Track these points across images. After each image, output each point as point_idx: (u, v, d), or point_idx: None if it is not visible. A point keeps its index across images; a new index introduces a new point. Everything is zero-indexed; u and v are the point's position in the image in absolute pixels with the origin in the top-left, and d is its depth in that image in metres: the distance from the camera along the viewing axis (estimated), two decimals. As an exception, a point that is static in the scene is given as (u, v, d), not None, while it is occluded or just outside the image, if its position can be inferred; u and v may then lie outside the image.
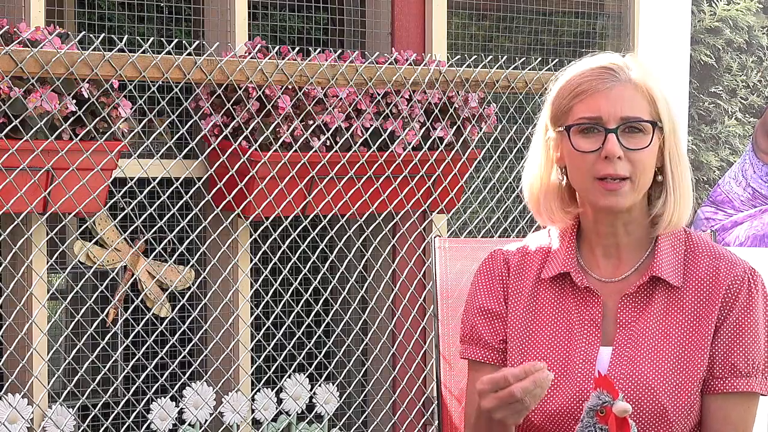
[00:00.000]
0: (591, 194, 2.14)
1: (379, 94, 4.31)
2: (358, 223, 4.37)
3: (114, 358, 4.02)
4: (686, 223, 2.22)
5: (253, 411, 4.33)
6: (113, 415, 3.96)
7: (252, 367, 4.34)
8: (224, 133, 4.13)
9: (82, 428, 3.91)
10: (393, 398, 4.60)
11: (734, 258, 2.18)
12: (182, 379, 4.09)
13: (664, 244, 2.18)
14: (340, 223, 4.33)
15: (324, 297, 4.40)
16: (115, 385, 4.01)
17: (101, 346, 4.03)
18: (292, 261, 4.26)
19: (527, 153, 2.26)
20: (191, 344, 4.26)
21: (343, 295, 4.41)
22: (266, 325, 4.28)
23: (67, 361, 4.04)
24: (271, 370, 4.34)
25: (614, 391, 1.93)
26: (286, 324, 4.29)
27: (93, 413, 3.96)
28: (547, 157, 2.22)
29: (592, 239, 2.21)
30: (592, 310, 2.17)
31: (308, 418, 4.41)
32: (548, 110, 2.20)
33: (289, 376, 4.39)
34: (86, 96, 3.73)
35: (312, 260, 4.29)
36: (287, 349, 4.28)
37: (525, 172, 2.26)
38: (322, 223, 4.37)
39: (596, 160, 2.11)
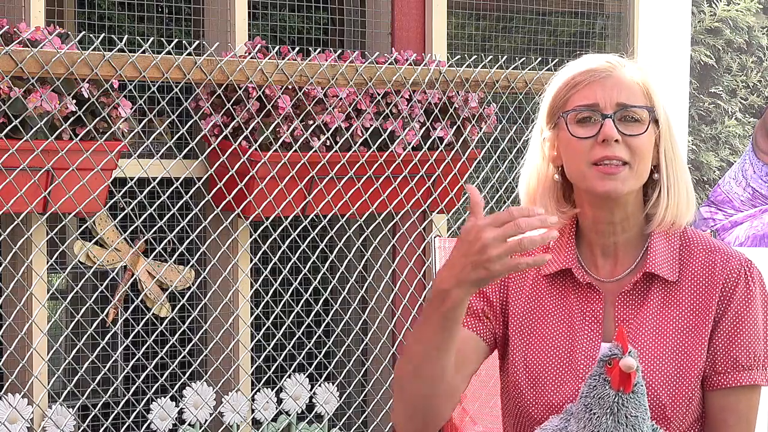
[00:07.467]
0: (588, 181, 2.14)
1: (379, 94, 4.31)
2: (358, 223, 4.37)
3: (114, 358, 4.02)
4: (688, 222, 2.22)
5: (253, 411, 4.33)
6: (113, 415, 3.96)
7: (252, 367, 4.34)
8: (224, 133, 4.13)
9: (82, 428, 3.91)
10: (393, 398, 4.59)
11: (729, 251, 2.18)
12: (182, 379, 4.09)
13: (658, 240, 2.19)
14: (340, 223, 4.33)
15: (324, 297, 4.40)
16: (115, 385, 4.01)
17: (101, 346, 4.03)
18: (292, 261, 4.26)
19: (525, 156, 2.27)
20: (191, 344, 4.26)
21: (343, 295, 4.41)
22: (266, 325, 4.28)
23: (67, 361, 4.05)
24: (271, 370, 4.34)
25: (625, 346, 1.98)
26: (286, 324, 4.29)
27: (93, 413, 3.96)
28: (543, 156, 2.23)
29: (591, 238, 2.21)
30: (593, 306, 2.18)
31: (308, 418, 4.41)
32: (545, 110, 2.21)
33: (289, 376, 4.39)
34: (86, 96, 3.73)
35: (312, 260, 4.29)
36: (287, 349, 4.28)
37: (522, 174, 2.26)
38: (322, 223, 4.37)
39: (593, 146, 2.12)
